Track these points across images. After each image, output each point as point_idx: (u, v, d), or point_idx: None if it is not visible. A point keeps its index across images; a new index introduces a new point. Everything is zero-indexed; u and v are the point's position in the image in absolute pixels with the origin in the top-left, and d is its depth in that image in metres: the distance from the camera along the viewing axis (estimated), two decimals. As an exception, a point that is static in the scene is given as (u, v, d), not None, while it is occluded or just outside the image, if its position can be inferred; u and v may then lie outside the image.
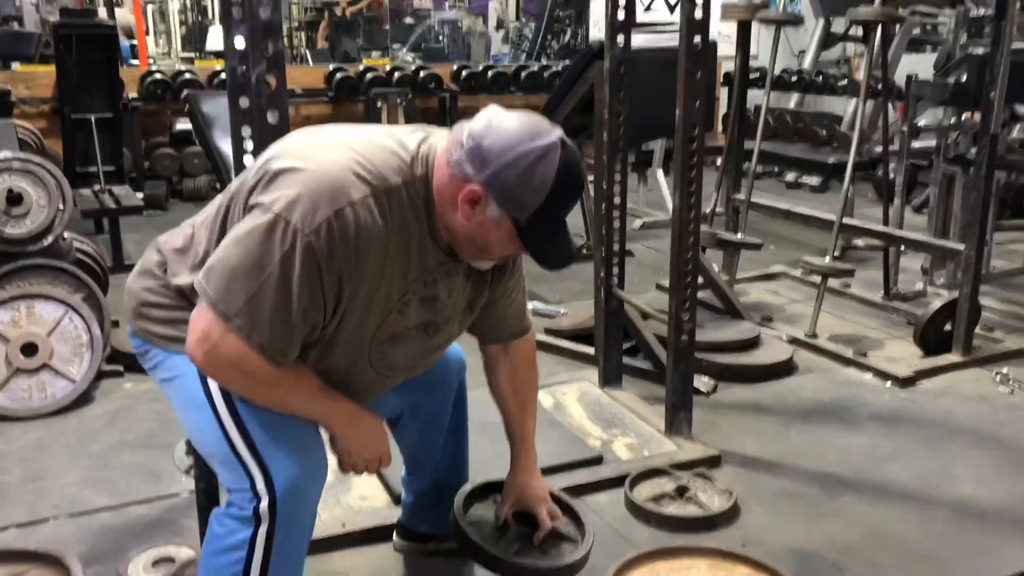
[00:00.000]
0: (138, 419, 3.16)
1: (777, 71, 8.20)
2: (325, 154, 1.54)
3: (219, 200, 1.66)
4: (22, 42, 7.54)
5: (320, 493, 1.67)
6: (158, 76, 7.21)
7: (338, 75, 7.84)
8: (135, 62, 8.54)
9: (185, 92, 5.19)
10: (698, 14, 2.63)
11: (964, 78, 4.26)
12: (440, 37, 13.01)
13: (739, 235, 4.51)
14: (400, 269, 1.59)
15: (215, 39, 10.04)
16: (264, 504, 1.56)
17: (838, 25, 8.54)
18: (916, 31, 7.84)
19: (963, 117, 4.57)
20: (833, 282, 4.29)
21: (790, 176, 8.09)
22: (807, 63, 8.87)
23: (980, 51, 4.20)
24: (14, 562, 2.20)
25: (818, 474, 2.81)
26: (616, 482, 2.65)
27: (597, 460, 2.77)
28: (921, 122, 4.78)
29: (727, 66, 7.39)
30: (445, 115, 7.97)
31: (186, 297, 1.64)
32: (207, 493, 2.02)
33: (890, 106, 4.77)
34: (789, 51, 9.38)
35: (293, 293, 1.47)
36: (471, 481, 2.17)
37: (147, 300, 1.70)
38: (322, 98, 7.80)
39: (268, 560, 1.59)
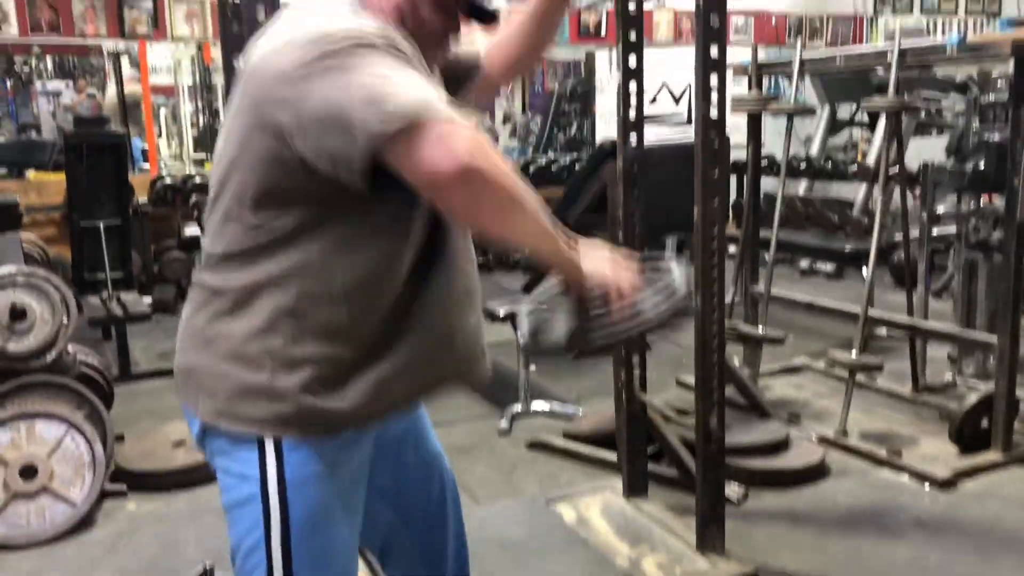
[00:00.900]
0: (141, 544, 3.01)
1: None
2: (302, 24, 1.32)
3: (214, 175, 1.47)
4: (36, 151, 7.66)
5: None
6: (168, 181, 7.25)
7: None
8: (147, 166, 8.63)
9: (194, 198, 5.19)
10: (713, 113, 2.59)
11: (982, 164, 4.21)
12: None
13: (760, 328, 4.39)
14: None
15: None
16: None
17: (843, 111, 8.59)
18: (921, 115, 7.86)
19: (981, 203, 4.51)
20: (859, 375, 4.15)
21: (804, 263, 8.00)
22: (815, 149, 8.89)
23: (996, 137, 4.16)
24: None
25: (863, 591, 2.63)
26: (648, 607, 2.48)
27: (626, 582, 2.61)
28: (940, 208, 4.72)
29: (734, 154, 7.39)
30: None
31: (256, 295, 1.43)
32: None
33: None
34: (796, 138, 9.41)
35: (412, 69, 1.28)
36: None
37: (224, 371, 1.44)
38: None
39: None
